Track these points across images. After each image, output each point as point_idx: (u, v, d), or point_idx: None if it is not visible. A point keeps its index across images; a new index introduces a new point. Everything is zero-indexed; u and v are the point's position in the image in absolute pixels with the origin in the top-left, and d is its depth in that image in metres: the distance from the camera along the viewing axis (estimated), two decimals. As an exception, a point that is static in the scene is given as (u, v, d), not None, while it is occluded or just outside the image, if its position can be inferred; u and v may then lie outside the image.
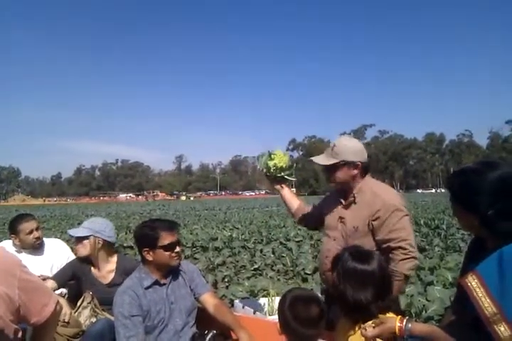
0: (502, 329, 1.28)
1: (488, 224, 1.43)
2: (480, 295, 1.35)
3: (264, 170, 2.71)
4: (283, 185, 2.81)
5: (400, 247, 2.29)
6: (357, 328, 1.78)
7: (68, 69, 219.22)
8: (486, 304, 1.32)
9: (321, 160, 2.48)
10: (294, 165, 2.76)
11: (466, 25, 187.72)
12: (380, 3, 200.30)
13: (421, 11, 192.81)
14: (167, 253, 2.40)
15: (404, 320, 1.61)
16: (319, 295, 2.47)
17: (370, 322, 1.69)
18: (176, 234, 2.50)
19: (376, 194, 2.38)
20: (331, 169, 2.45)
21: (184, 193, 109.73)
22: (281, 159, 2.66)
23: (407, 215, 2.36)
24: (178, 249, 2.45)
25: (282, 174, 2.71)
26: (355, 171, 2.40)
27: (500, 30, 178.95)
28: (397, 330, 1.59)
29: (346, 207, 2.47)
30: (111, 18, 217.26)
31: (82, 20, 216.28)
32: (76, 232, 3.00)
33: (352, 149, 2.41)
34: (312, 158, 2.55)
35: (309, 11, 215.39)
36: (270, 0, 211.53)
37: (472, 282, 1.38)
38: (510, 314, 1.28)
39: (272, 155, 2.68)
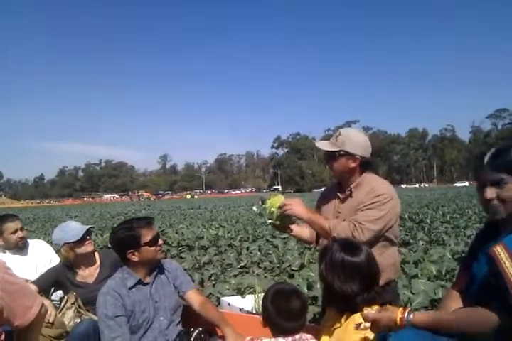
0: None
1: None
2: (508, 265, 1.40)
3: (270, 222, 2.52)
4: (291, 226, 2.60)
5: (357, 221, 2.22)
6: (343, 320, 1.79)
7: (50, 70, 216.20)
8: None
9: (323, 145, 2.42)
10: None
11: (446, 19, 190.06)
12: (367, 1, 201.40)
13: (401, 5, 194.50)
14: (152, 248, 2.40)
15: (407, 311, 1.61)
16: (305, 290, 2.52)
17: (374, 307, 1.70)
18: (154, 227, 2.50)
19: (373, 189, 2.31)
20: (330, 157, 2.40)
21: (190, 193, 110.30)
22: (273, 204, 2.45)
23: (390, 198, 2.26)
24: (160, 241, 2.47)
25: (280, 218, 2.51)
26: (353, 164, 2.35)
27: (481, 24, 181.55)
28: (398, 320, 1.59)
29: (343, 201, 2.42)
30: (97, 17, 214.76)
31: (64, 20, 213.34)
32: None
33: (355, 142, 2.34)
34: (316, 143, 2.50)
35: (293, 7, 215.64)
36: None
37: (501, 252, 1.44)
38: None
39: (266, 205, 2.48)
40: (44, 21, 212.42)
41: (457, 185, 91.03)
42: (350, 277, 1.75)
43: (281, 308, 1.82)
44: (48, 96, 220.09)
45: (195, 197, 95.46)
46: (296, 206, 2.36)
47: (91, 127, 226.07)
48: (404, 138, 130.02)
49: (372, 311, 1.66)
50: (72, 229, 2.96)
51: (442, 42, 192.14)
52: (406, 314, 1.59)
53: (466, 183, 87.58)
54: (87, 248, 2.96)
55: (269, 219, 2.47)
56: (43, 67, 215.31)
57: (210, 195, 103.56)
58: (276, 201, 2.41)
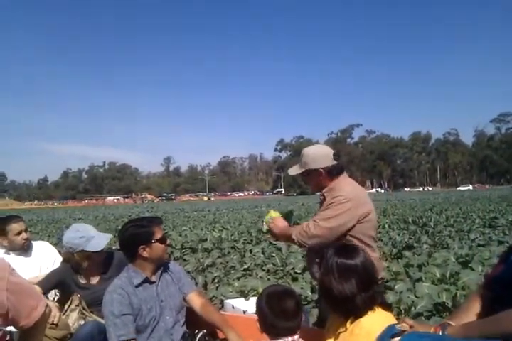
0: None
1: None
2: None
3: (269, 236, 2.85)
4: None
5: (313, 220, 2.48)
6: (348, 324, 1.80)
7: (54, 71, 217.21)
8: None
9: (292, 171, 2.75)
10: (291, 213, 2.85)
11: (452, 23, 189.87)
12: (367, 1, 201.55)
13: (406, 10, 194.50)
14: (162, 245, 2.47)
15: (440, 328, 1.60)
16: (309, 293, 2.58)
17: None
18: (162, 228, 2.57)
19: (335, 191, 2.51)
20: (303, 177, 2.70)
21: (205, 194, 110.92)
22: (266, 219, 2.78)
23: (347, 200, 2.42)
24: (168, 241, 2.54)
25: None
26: (320, 177, 2.59)
27: (487, 29, 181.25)
28: None
29: (320, 205, 2.65)
30: (99, 19, 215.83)
31: (68, 21, 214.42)
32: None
33: (313, 157, 2.60)
34: (289, 170, 2.80)
35: (294, 8, 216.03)
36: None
37: None
38: None
39: (267, 220, 2.77)
40: (47, 22, 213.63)
41: (461, 188, 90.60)
42: (347, 279, 1.79)
43: (276, 309, 1.87)
44: (51, 98, 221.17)
45: (212, 199, 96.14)
46: (275, 225, 2.68)
47: (95, 129, 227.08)
48: (407, 141, 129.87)
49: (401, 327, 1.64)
50: (92, 236, 2.90)
51: (445, 46, 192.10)
52: (440, 331, 1.59)
53: (470, 187, 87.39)
54: (102, 257, 2.98)
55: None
56: (46, 69, 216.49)
57: (222, 197, 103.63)
58: (267, 217, 2.76)
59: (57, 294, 3.09)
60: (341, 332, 1.82)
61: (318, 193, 2.71)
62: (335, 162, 2.59)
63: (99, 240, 2.90)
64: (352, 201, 2.42)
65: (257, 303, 1.96)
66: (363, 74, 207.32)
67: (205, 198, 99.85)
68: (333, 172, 2.58)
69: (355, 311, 1.77)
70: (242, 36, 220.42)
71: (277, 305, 1.87)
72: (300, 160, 2.67)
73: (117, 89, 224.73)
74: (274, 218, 2.72)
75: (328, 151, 2.63)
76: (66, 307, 2.79)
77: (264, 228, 2.76)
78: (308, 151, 2.65)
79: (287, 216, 2.78)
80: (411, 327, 1.65)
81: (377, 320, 1.76)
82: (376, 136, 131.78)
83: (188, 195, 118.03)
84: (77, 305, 2.79)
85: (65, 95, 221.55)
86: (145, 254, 2.41)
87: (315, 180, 2.63)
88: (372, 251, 2.49)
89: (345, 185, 2.54)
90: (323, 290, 1.89)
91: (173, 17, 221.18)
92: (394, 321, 1.79)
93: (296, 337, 1.87)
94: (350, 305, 1.78)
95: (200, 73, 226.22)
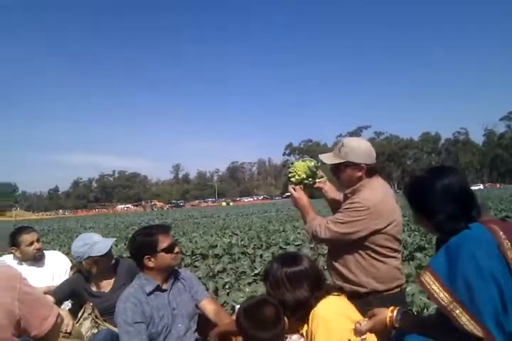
0: (457, 312, 1.40)
1: (439, 226, 1.58)
2: (435, 288, 1.47)
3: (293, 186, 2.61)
4: (320, 186, 2.75)
5: (326, 220, 2.38)
6: (306, 327, 1.86)
7: (62, 81, 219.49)
8: (441, 295, 1.45)
9: (327, 158, 2.50)
10: (315, 165, 2.65)
11: (458, 24, 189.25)
12: (374, 2, 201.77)
13: (415, 11, 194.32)
14: (168, 255, 2.44)
15: (395, 311, 1.67)
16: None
17: (363, 319, 1.74)
18: (171, 235, 2.55)
19: (355, 195, 2.38)
20: (336, 168, 2.47)
21: (223, 200, 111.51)
22: (299, 170, 2.60)
23: (364, 209, 2.27)
24: (177, 249, 2.50)
25: (310, 181, 2.64)
26: (359, 173, 2.39)
27: (494, 29, 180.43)
28: (387, 320, 1.65)
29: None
30: (105, 25, 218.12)
31: (76, 28, 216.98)
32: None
33: (358, 151, 2.39)
34: (320, 155, 2.57)
35: (303, 11, 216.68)
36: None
37: (426, 278, 1.51)
38: (463, 298, 1.41)
39: (291, 171, 2.62)
40: (55, 31, 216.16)
41: (472, 188, 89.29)
42: (299, 285, 1.85)
43: (255, 320, 1.81)
44: (62, 107, 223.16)
45: (231, 204, 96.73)
46: (299, 197, 2.56)
47: (104, 138, 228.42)
48: (416, 142, 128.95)
49: (363, 322, 1.72)
50: (95, 242, 2.94)
51: (453, 46, 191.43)
52: (395, 313, 1.66)
53: (481, 186, 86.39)
54: (111, 261, 3.00)
55: (302, 184, 2.61)
56: (55, 79, 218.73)
57: (239, 203, 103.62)
58: (301, 169, 2.58)
59: (70, 304, 3.12)
60: (306, 331, 1.87)
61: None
62: (374, 161, 2.45)
63: (102, 244, 2.94)
64: (369, 210, 2.26)
65: (236, 320, 1.90)
66: (371, 75, 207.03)
67: (224, 203, 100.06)
68: (371, 172, 2.42)
69: (309, 312, 1.84)
70: (250, 41, 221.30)
71: (256, 316, 1.81)
72: (338, 149, 2.43)
73: (125, 97, 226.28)
74: (298, 192, 2.56)
75: (372, 149, 2.47)
76: (79, 315, 2.82)
77: (294, 178, 2.57)
78: (353, 143, 2.44)
79: (312, 173, 2.61)
80: (371, 316, 1.73)
81: (330, 305, 1.84)
82: (385, 138, 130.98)
83: (209, 201, 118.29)
84: (90, 314, 2.81)
85: (74, 105, 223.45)
86: (150, 264, 2.42)
87: (352, 176, 2.41)
88: (394, 260, 2.38)
89: (371, 190, 2.35)
90: (279, 303, 1.87)
91: (176, 27, 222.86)
92: (346, 302, 1.92)
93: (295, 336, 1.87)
94: (305, 307, 1.84)
95: (208, 79, 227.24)
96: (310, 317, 1.84)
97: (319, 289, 1.88)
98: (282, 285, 1.86)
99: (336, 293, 1.94)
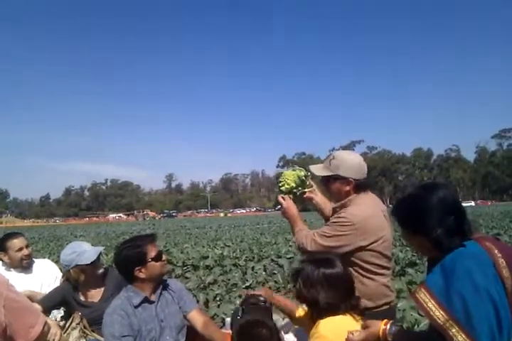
0: (454, 330, 1.39)
1: (437, 242, 1.56)
2: (431, 306, 1.46)
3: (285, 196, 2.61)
4: (311, 196, 2.72)
5: (313, 233, 2.35)
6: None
7: (55, 88, 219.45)
8: (437, 313, 1.43)
9: (317, 170, 2.48)
10: (305, 175, 2.64)
11: (452, 36, 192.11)
12: (368, 14, 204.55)
13: (410, 24, 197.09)
14: (158, 263, 2.43)
15: (389, 324, 1.66)
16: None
17: (355, 330, 1.73)
18: (156, 244, 2.53)
19: (343, 210, 2.35)
20: (326, 180, 2.46)
21: (221, 211, 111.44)
22: (288, 179, 2.60)
23: (350, 224, 2.25)
24: (164, 257, 2.50)
25: (299, 190, 2.64)
26: (347, 187, 2.37)
27: (490, 42, 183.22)
28: (380, 333, 1.64)
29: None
30: (106, 38, 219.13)
31: (74, 39, 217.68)
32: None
33: (348, 164, 2.37)
34: (310, 166, 2.55)
35: (299, 23, 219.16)
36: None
37: (421, 295, 1.50)
38: (459, 316, 1.39)
39: (281, 180, 2.62)
40: (50, 38, 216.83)
41: (463, 205, 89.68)
42: (335, 288, 1.83)
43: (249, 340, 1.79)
44: (54, 115, 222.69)
45: (229, 215, 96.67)
46: (288, 207, 2.55)
47: (97, 146, 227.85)
48: (409, 157, 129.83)
49: (356, 333, 1.71)
50: (84, 250, 2.93)
51: (446, 61, 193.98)
52: (388, 326, 1.65)
53: (472, 203, 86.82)
54: (98, 270, 2.97)
55: (293, 194, 2.62)
56: (48, 86, 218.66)
57: (241, 214, 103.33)
58: (291, 178, 2.59)
59: (62, 311, 3.08)
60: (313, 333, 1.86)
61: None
62: (365, 176, 2.42)
63: (90, 252, 2.92)
64: (354, 226, 2.23)
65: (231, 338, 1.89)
66: (365, 90, 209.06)
67: (222, 214, 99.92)
68: (360, 188, 2.38)
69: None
70: (243, 51, 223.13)
71: (250, 336, 1.79)
72: (328, 161, 2.42)
73: (119, 106, 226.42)
74: (287, 201, 2.55)
75: (363, 163, 2.44)
76: (67, 325, 2.77)
77: (283, 187, 2.58)
78: (344, 156, 2.42)
79: (302, 182, 2.62)
80: (364, 328, 1.72)
81: (335, 324, 1.79)
82: (378, 152, 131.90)
83: (201, 211, 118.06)
84: (78, 324, 2.77)
85: (68, 112, 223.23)
86: (142, 275, 2.40)
87: (340, 190, 2.40)
88: (382, 277, 2.35)
89: (359, 205, 2.32)
90: (310, 303, 1.88)
91: (176, 37, 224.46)
92: (355, 325, 1.82)
93: None
94: (336, 311, 1.82)
95: (202, 90, 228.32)
96: (314, 328, 1.83)
97: (351, 297, 1.86)
98: (319, 285, 1.83)
99: (356, 312, 1.88)
